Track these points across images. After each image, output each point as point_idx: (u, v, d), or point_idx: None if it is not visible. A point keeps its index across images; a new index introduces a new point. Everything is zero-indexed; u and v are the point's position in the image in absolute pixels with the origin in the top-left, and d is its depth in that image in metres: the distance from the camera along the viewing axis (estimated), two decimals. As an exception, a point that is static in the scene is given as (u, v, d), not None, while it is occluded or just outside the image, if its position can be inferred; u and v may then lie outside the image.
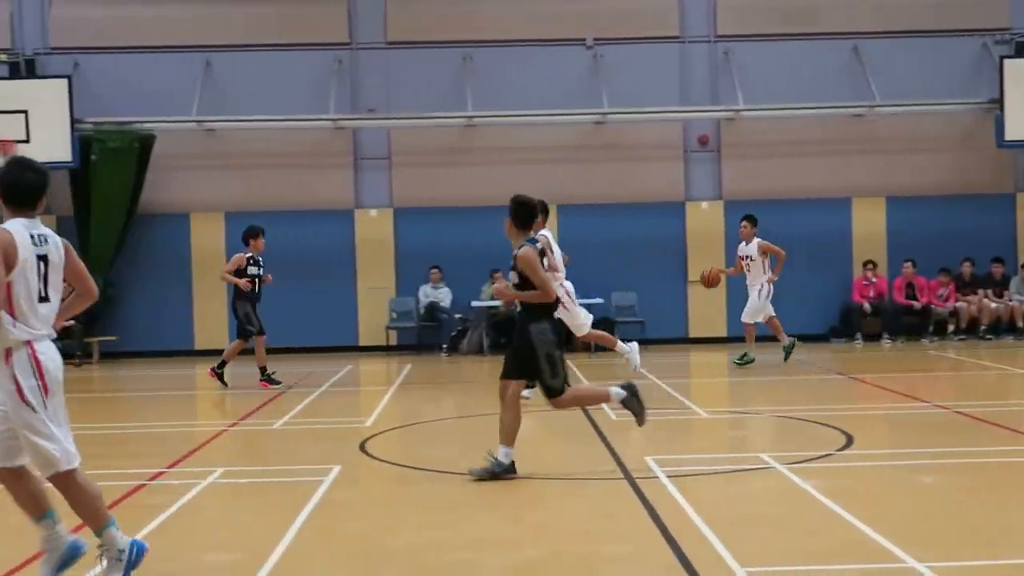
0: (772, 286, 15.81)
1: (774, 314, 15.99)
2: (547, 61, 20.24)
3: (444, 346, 19.50)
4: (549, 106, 19.64)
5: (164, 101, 19.50)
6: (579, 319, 12.96)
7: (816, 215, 20.13)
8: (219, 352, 19.40)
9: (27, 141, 18.28)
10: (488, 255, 18.99)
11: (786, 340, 15.65)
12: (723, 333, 19.94)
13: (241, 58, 20.02)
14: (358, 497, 7.95)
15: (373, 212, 20.21)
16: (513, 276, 8.40)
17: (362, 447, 9.77)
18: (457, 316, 19.66)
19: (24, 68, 19.37)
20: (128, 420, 12.95)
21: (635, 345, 13.88)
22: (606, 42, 20.26)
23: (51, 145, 18.30)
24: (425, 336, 20.00)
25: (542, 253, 8.39)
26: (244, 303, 14.93)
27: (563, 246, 17.45)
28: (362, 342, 20.08)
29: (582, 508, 7.41)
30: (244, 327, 14.92)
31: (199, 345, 19.88)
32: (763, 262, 15.75)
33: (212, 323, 19.80)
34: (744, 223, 16.03)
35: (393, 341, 20.10)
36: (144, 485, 8.25)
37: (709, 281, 15.34)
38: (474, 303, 19.51)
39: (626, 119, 19.85)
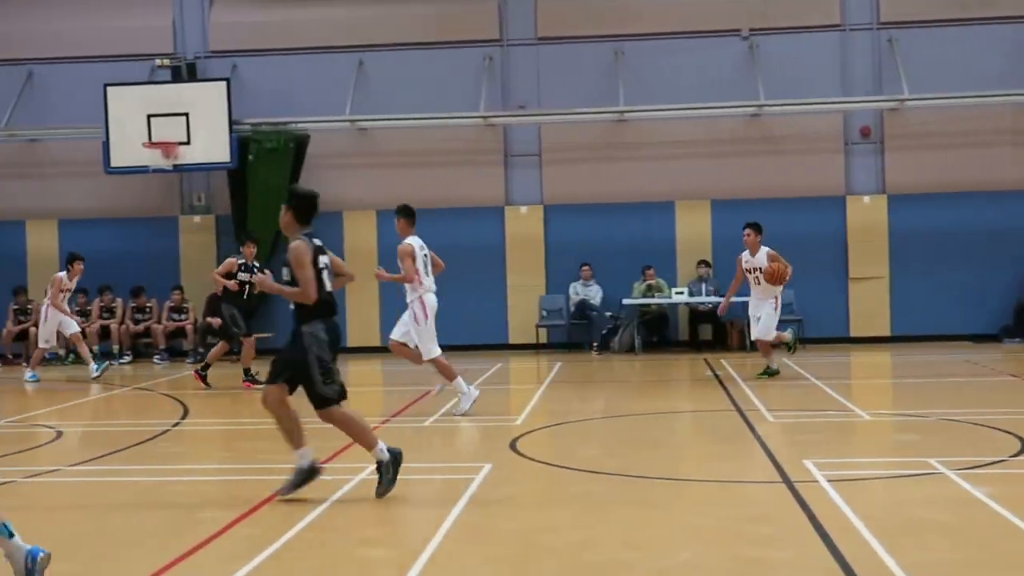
0: (780, 300, 14.58)
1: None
2: (700, 53, 20.02)
3: (595, 344, 19.47)
4: (702, 99, 19.42)
5: (318, 101, 20.00)
6: (427, 342, 12.00)
7: (988, 208, 19.40)
8: (370, 350, 19.89)
9: (188, 143, 18.99)
10: (640, 251, 18.91)
11: (774, 364, 14.56)
12: (887, 332, 19.40)
13: (393, 57, 20.38)
14: (510, 495, 7.98)
15: (523, 209, 20.31)
16: (285, 271, 8.07)
17: (513, 445, 9.82)
18: (608, 314, 19.61)
19: (185, 72, 20.10)
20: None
21: (474, 392, 12.11)
22: (762, 32, 19.93)
23: (210, 146, 18.99)
24: (575, 334, 20.01)
25: (318, 251, 8.00)
26: (229, 305, 15.23)
27: (717, 243, 17.35)
28: (512, 340, 20.21)
29: (738, 511, 7.29)
30: (229, 329, 15.21)
31: (351, 343, 20.28)
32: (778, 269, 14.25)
33: (363, 320, 20.20)
34: (748, 231, 14.54)
35: (543, 339, 20.17)
36: (299, 480, 8.44)
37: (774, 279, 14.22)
38: (625, 301, 19.43)
39: (783, 111, 19.49)
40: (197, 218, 20.63)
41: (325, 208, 20.92)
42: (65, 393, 15.33)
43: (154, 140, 18.98)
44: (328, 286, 7.91)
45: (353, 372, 18.04)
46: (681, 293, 19.17)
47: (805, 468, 8.35)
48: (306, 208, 8.17)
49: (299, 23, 20.53)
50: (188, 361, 18.96)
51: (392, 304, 20.09)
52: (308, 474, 7.74)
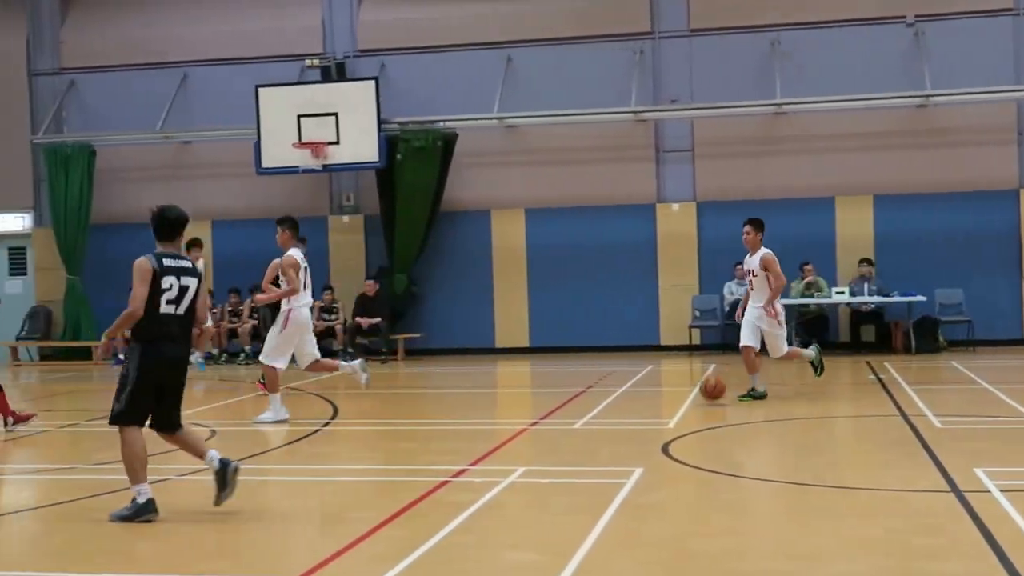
0: (782, 307, 12.95)
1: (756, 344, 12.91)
2: (862, 42, 19.53)
3: (751, 346, 19.13)
4: (864, 90, 18.94)
5: (466, 99, 20.18)
6: (276, 350, 12.20)
7: None
8: (519, 351, 20.00)
9: (337, 143, 19.39)
10: (797, 249, 18.53)
11: (760, 387, 12.93)
12: (1065, 334, 18.62)
13: (542, 53, 20.43)
14: (662, 500, 7.91)
15: (675, 206, 20.13)
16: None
17: (665, 449, 9.73)
18: (764, 315, 19.26)
19: (335, 72, 20.52)
20: (432, 417, 13.45)
21: (358, 362, 13.25)
22: (929, 18, 19.33)
23: (359, 146, 19.36)
24: (730, 335, 19.69)
25: (174, 271, 7.62)
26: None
27: (880, 240, 16.88)
28: (664, 341, 20.05)
29: (905, 522, 7.07)
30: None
31: (499, 343, 20.44)
32: (769, 278, 12.68)
33: (512, 321, 20.32)
34: (747, 228, 12.96)
35: (696, 340, 19.96)
36: (448, 482, 8.54)
37: (711, 392, 12.63)
38: (782, 301, 19.07)
39: (952, 101, 18.86)
40: (346, 218, 21.05)
41: (473, 206, 21.29)
42: (218, 392, 15.82)
43: (304, 140, 19.44)
44: (174, 309, 7.58)
45: (501, 374, 18.18)
46: (842, 293, 18.72)
47: (976, 477, 8.06)
48: (159, 226, 7.93)
49: (447, 20, 20.76)
50: (338, 361, 19.32)
51: (542, 305, 20.20)
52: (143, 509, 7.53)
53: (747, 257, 13.12)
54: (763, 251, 12.77)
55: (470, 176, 20.50)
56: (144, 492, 7.52)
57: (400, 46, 20.85)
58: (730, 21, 20.02)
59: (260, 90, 19.74)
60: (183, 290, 7.59)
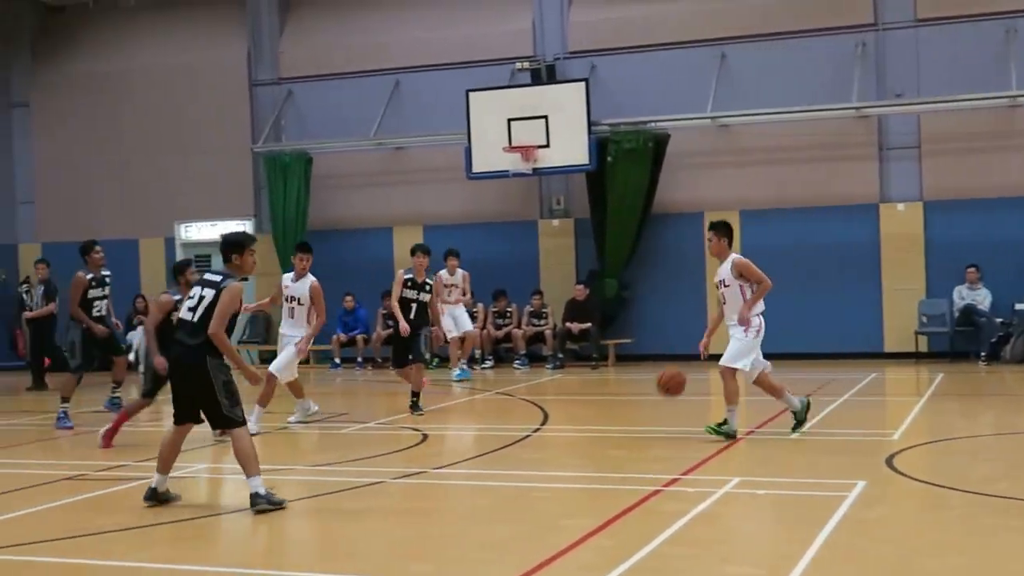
0: (762, 320, 11.50)
1: (768, 365, 11.66)
2: (1108, 27, 18.46)
3: (983, 354, 18.34)
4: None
5: (678, 98, 20.02)
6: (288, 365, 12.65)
7: None
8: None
9: (547, 146, 19.55)
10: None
11: (795, 402, 11.40)
12: None
13: (756, 49, 20.10)
14: (886, 515, 7.66)
15: (900, 206, 19.46)
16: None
17: (889, 462, 9.43)
18: (998, 320, 18.43)
19: (545, 74, 20.71)
20: (643, 424, 13.41)
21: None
22: None
23: (569, 148, 19.47)
24: (960, 342, 18.95)
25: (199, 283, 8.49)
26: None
27: None
28: (887, 348, 19.41)
29: None
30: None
31: (713, 349, 20.16)
32: (743, 288, 11.36)
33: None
34: (709, 234, 11.56)
35: (923, 347, 19.24)
36: (660, 491, 8.49)
37: (665, 384, 11.71)
38: (1018, 306, 18.20)
39: None
40: (556, 222, 21.19)
41: (685, 208, 21.08)
42: (429, 397, 16.16)
43: (514, 144, 19.68)
44: (182, 315, 8.42)
45: (715, 380, 17.90)
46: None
47: None
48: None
49: (658, 18, 20.66)
50: (548, 367, 19.50)
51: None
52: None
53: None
54: (733, 257, 11.37)
55: (682, 177, 20.34)
56: (159, 480, 8.37)
57: (611, 46, 20.86)
58: (960, 9, 19.23)
59: (471, 94, 20.09)
60: (200, 299, 8.28)
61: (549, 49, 21.24)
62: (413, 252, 14.03)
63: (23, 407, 16.30)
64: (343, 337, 21.07)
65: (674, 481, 8.85)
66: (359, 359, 21.06)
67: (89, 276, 13.42)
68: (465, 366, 18.33)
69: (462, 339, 18.37)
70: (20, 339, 23.62)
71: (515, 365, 19.94)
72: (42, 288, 18.54)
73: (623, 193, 19.68)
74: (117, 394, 14.00)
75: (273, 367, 12.60)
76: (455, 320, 18.26)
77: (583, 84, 19.70)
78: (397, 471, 9.69)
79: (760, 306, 11.36)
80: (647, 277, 20.50)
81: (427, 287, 13.79)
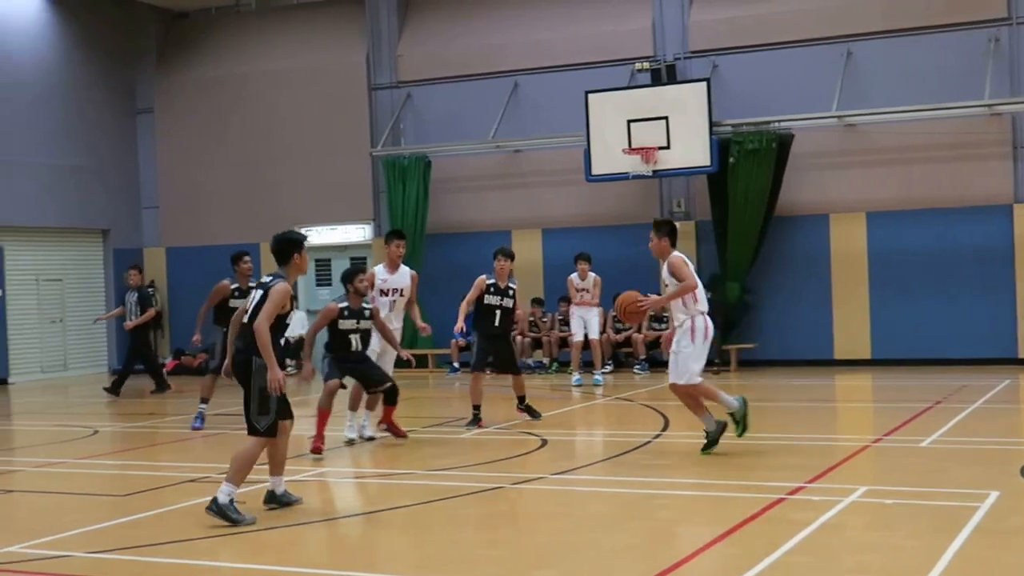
0: (707, 320, 10.78)
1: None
2: None
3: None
4: None
5: (802, 97, 19.77)
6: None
7: None
8: (859, 363, 19.40)
9: (667, 147, 19.48)
10: None
11: (733, 403, 10.76)
12: None
13: (883, 45, 19.74)
14: (1021, 527, 7.49)
15: (1036, 207, 18.96)
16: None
17: (1024, 472, 9.21)
18: None
19: (665, 74, 20.64)
20: (767, 430, 13.26)
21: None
22: None
23: (690, 150, 19.36)
24: (1101, 349, 18.38)
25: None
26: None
27: None
28: (1022, 354, 18.91)
29: None
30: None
31: (838, 355, 19.91)
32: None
33: (852, 331, 19.75)
34: (650, 234, 11.10)
35: (1061, 354, 18.71)
36: (784, 499, 8.42)
37: (625, 312, 11.03)
38: None
39: None
40: (676, 224, 21.05)
41: (810, 210, 20.82)
42: (549, 402, 16.23)
43: (634, 146, 19.65)
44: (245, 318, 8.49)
45: (841, 386, 17.71)
46: None
47: None
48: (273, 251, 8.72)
49: (781, 16, 20.43)
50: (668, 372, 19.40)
51: (885, 314, 19.54)
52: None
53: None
54: (672, 255, 10.93)
55: (807, 178, 20.08)
56: (275, 482, 8.61)
57: (732, 45, 20.68)
58: (1100, 1, 18.66)
59: (590, 96, 20.12)
60: (254, 300, 8.45)
61: (669, 49, 21.15)
62: (495, 256, 13.53)
63: (149, 410, 16.78)
64: (461, 341, 21.26)
65: (799, 489, 8.77)
66: (477, 363, 21.21)
67: (234, 286, 13.74)
68: (579, 373, 18.33)
69: (584, 344, 18.38)
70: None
71: (635, 370, 19.90)
72: (136, 295, 18.71)
73: (745, 195, 19.52)
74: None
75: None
76: (586, 324, 18.27)
77: (704, 84, 19.57)
78: (516, 476, 9.77)
79: (702, 305, 10.81)
80: (770, 281, 20.28)
81: (511, 292, 13.40)
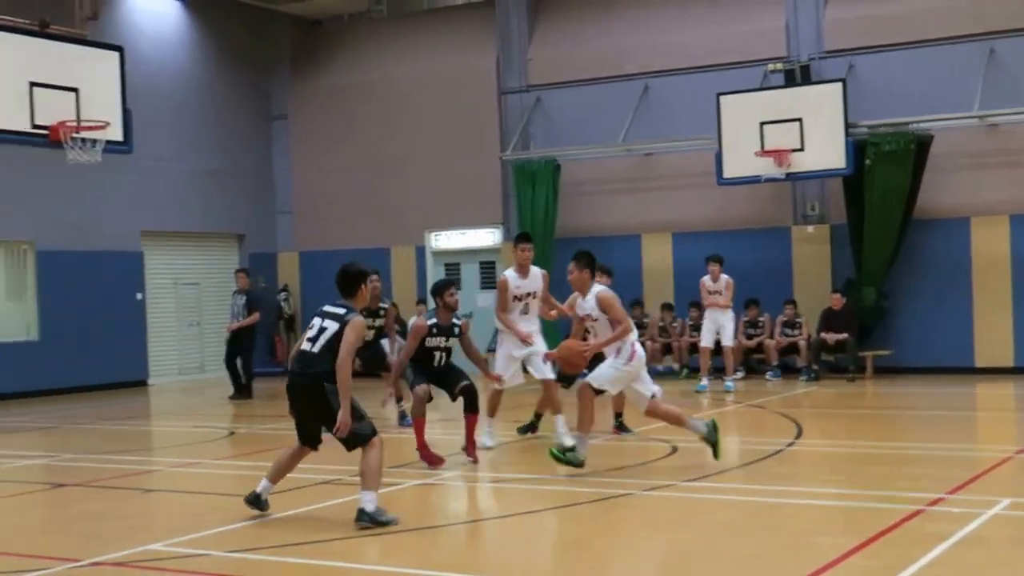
0: (636, 346, 10.42)
1: (659, 391, 10.78)
2: None
3: None
4: None
5: (942, 97, 19.31)
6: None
7: None
8: (1001, 371, 18.86)
9: (801, 149, 19.21)
10: None
11: (700, 427, 10.66)
12: None
13: (1029, 42, 19.21)
14: None
15: None
16: None
17: None
18: None
19: (799, 75, 20.37)
20: (903, 440, 13.02)
21: None
22: None
23: (825, 152, 19.06)
24: None
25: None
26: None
27: None
28: None
29: None
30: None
31: (979, 362, 19.39)
32: (612, 324, 10.41)
33: (994, 338, 19.21)
34: (570, 265, 10.64)
35: None
36: (922, 511, 8.25)
37: (568, 363, 10.80)
38: None
39: None
40: (810, 228, 20.78)
41: (950, 213, 20.35)
42: (679, 408, 16.13)
43: (766, 148, 19.43)
44: (310, 346, 8.44)
45: (982, 395, 17.27)
46: None
47: None
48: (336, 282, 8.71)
49: (920, 13, 19.98)
50: (802, 379, 19.16)
51: (1029, 320, 18.99)
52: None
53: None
54: (596, 290, 10.55)
55: (947, 180, 19.60)
56: (265, 487, 8.72)
57: (869, 44, 20.31)
58: None
59: (721, 98, 19.95)
60: (321, 331, 8.39)
61: (804, 49, 20.86)
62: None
63: (281, 412, 17.13)
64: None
65: (938, 501, 8.59)
66: (606, 368, 21.17)
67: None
68: (708, 379, 18.17)
69: (716, 350, 18.23)
70: (279, 345, 24.94)
71: (767, 377, 19.68)
72: (243, 298, 19.07)
73: (882, 197, 19.14)
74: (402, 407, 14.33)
75: (548, 373, 12.05)
76: (719, 329, 18.12)
77: (839, 85, 19.24)
78: (646, 483, 9.75)
79: (633, 334, 10.45)
80: (908, 286, 19.85)
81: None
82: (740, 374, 19.76)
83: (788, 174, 19.52)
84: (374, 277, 13.55)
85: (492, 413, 12.14)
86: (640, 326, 21.07)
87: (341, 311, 8.43)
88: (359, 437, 8.29)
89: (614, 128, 21.79)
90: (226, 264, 24.59)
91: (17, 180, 20.45)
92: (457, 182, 23.66)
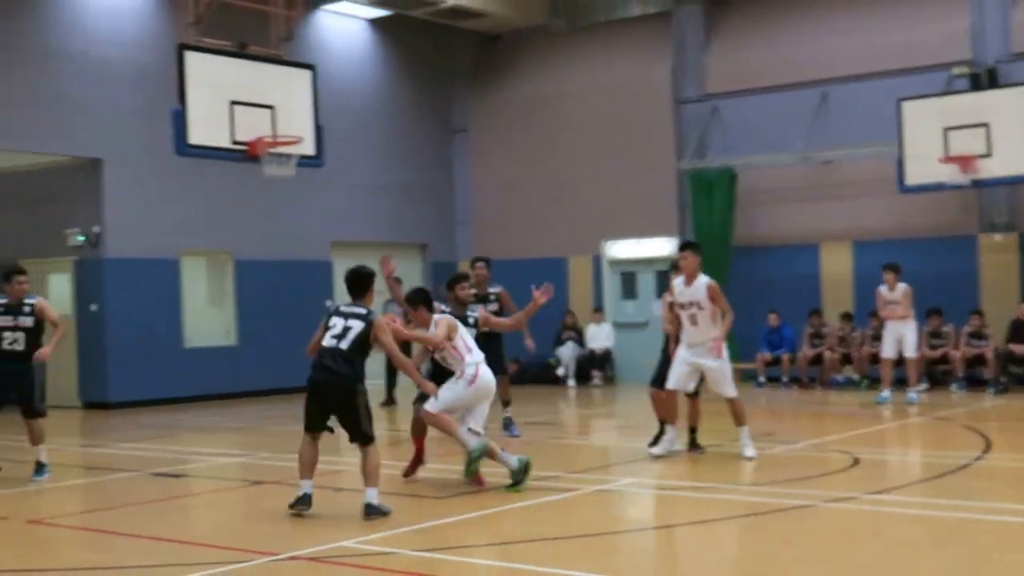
0: (478, 368, 10.29)
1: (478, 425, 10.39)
2: None
3: None
4: None
5: None
6: None
7: None
8: None
9: (988, 155, 18.59)
10: None
11: (472, 443, 10.12)
12: None
13: None
14: None
15: None
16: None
17: None
18: None
19: (985, 79, 19.71)
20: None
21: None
22: None
23: (1014, 158, 18.46)
24: None
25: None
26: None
27: None
28: None
29: None
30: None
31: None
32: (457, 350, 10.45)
33: None
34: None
35: None
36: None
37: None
38: None
39: None
40: (998, 236, 20.05)
41: None
42: (859, 419, 15.80)
43: (951, 154, 18.86)
44: (326, 343, 9.10)
45: None
46: None
47: None
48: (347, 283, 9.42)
49: (1116, 14, 19.14)
50: (989, 391, 18.52)
51: None
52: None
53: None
54: (441, 318, 10.44)
55: None
56: (301, 486, 9.15)
57: (1061, 46, 19.57)
58: None
59: (903, 103, 19.47)
60: (346, 329, 9.04)
61: (990, 52, 20.18)
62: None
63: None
64: (768, 356, 21.00)
65: None
66: (784, 378, 20.88)
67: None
68: (889, 391, 17.68)
69: (898, 361, 17.77)
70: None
71: (952, 388, 19.08)
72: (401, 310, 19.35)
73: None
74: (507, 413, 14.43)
75: (730, 391, 11.76)
76: (901, 340, 17.65)
77: (1029, 88, 18.57)
78: (828, 494, 9.59)
79: (477, 355, 10.37)
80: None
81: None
82: (924, 385, 19.19)
83: (974, 181, 18.91)
84: (480, 264, 14.69)
85: (673, 421, 11.96)
86: (818, 336, 20.74)
87: (363, 311, 9.17)
88: (370, 437, 9.08)
89: (792, 136, 21.45)
90: (409, 274, 25.06)
91: (218, 195, 21.35)
92: (633, 192, 23.62)
